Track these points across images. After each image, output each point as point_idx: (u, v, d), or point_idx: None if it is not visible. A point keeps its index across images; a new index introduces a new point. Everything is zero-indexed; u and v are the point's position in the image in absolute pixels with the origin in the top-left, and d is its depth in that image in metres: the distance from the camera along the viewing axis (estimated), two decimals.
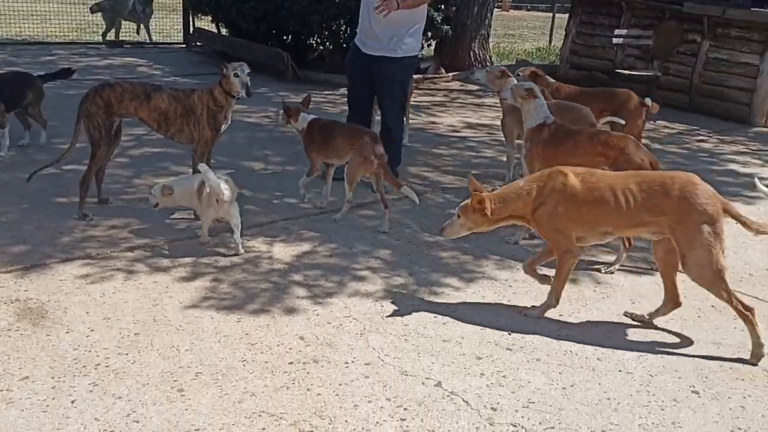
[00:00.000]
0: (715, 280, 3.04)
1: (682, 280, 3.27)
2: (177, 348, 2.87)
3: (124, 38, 11.79)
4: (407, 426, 2.48)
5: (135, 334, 2.95)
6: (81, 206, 4.13)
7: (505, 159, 5.59)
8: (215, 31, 11.05)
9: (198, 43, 11.25)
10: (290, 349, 2.93)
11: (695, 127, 8.33)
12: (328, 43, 9.40)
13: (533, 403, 2.67)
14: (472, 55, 9.73)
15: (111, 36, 11.67)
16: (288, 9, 8.56)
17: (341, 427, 2.45)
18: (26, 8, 12.04)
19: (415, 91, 6.92)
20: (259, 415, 2.48)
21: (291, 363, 2.82)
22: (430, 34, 9.00)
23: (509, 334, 3.18)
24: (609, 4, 9.81)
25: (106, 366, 2.71)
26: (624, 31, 9.17)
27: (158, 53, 10.88)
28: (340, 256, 3.94)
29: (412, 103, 6.62)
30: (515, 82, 4.94)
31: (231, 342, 2.95)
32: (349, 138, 4.37)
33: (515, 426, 2.53)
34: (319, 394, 2.62)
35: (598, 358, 3.03)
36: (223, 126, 4.13)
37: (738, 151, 7.39)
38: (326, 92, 8.50)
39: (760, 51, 8.57)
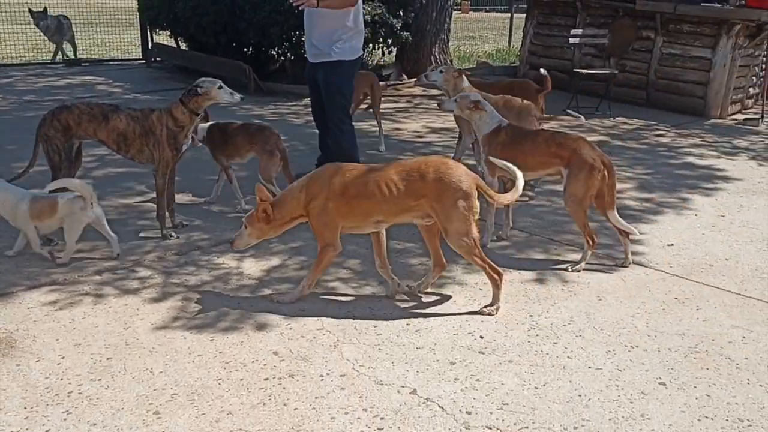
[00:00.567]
0: (471, 248, 3.39)
1: (646, 274, 3.35)
2: (151, 370, 2.86)
3: (81, 56, 11.66)
4: None
5: (107, 358, 2.94)
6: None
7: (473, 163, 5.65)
8: (174, 45, 10.99)
9: (157, 59, 11.17)
10: (265, 365, 2.94)
11: (653, 122, 8.53)
12: (289, 54, 9.40)
13: (507, 404, 2.72)
14: (433, 60, 9.81)
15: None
16: (248, 21, 8.56)
17: None
18: None
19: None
20: None
21: (266, 379, 2.83)
22: (390, 41, 9.06)
23: (481, 338, 3.23)
24: (564, 5, 9.99)
25: (79, 393, 2.69)
26: (580, 31, 9.35)
27: (117, 70, 10.79)
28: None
29: (381, 110, 6.67)
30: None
31: (205, 361, 2.95)
32: (248, 136, 4.68)
33: (490, 428, 2.57)
34: (296, 408, 2.64)
35: (568, 356, 3.10)
36: (184, 146, 4.12)
37: (695, 144, 7.58)
38: (290, 103, 8.51)
39: (711, 45, 8.81)
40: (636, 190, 5.74)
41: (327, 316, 3.39)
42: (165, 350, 3.02)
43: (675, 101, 9.15)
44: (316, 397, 2.72)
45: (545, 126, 5.36)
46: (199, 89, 3.99)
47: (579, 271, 4.05)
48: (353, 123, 5.36)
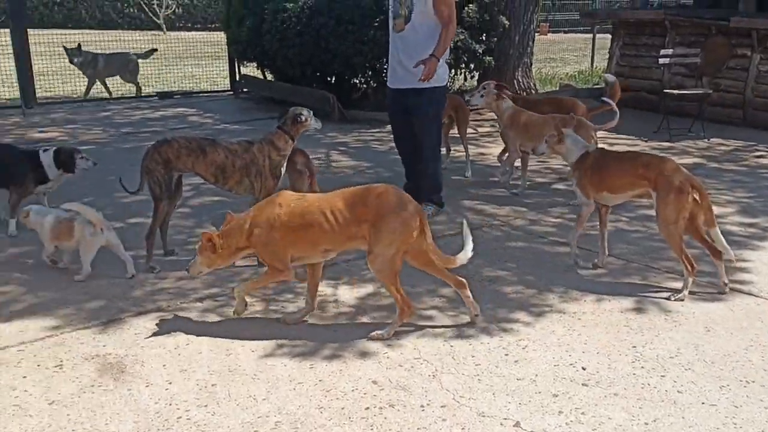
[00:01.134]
0: (390, 275, 3.38)
1: (756, 304, 3.17)
2: (254, 397, 2.91)
3: (172, 89, 12.15)
4: None
5: (212, 384, 3.01)
6: (148, 259, 4.25)
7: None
8: (261, 77, 11.35)
9: (244, 90, 11.56)
10: (365, 393, 2.94)
11: (752, 143, 8.14)
12: (371, 82, 9.54)
13: None
14: (516, 83, 9.74)
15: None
16: (332, 52, 8.74)
17: None
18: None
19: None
20: None
21: (367, 408, 2.83)
22: (473, 66, 9.06)
23: (583, 369, 3.13)
24: (652, 24, 9.74)
25: (188, 419, 2.76)
26: (670, 51, 9.07)
27: (207, 101, 11.20)
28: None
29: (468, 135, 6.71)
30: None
31: (306, 389, 2.97)
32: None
33: None
34: None
35: (678, 391, 2.96)
36: (282, 172, 4.23)
37: None
38: (373, 130, 8.61)
39: None
40: (738, 215, 5.48)
41: (424, 346, 3.36)
42: (266, 377, 3.07)
43: None
44: (418, 428, 2.69)
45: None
46: (301, 117, 4.11)
47: (682, 300, 3.88)
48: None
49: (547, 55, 17.50)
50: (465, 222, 3.54)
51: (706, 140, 8.20)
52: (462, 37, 8.27)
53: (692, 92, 8.87)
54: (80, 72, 11.24)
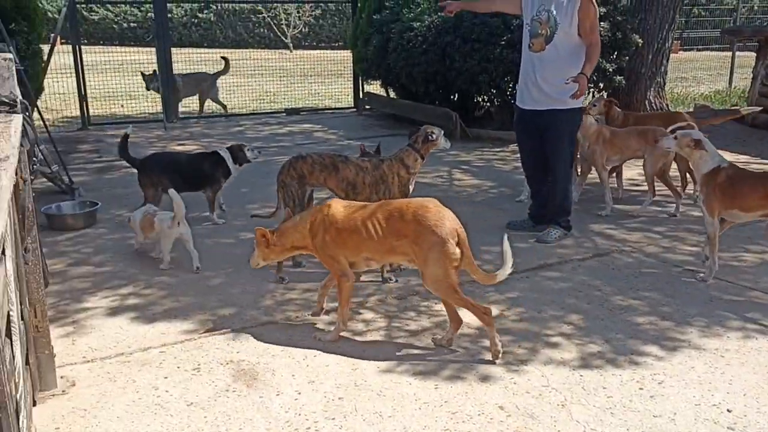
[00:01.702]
0: (449, 292, 3.36)
1: None
2: (380, 414, 2.92)
3: (298, 106, 12.58)
4: None
5: (339, 398, 3.05)
6: (278, 270, 4.39)
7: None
8: (384, 94, 11.54)
9: (367, 107, 11.79)
10: (491, 419, 2.88)
11: None
12: (495, 100, 9.46)
13: None
14: (648, 104, 9.34)
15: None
16: (457, 70, 8.75)
17: None
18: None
19: None
20: None
21: None
22: (602, 85, 8.78)
23: (729, 412, 2.92)
24: None
25: (316, 430, 2.81)
26: None
27: (331, 118, 11.51)
28: (530, 320, 3.86)
29: None
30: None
31: (431, 409, 2.95)
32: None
33: None
34: None
35: None
36: (410, 190, 4.26)
37: None
38: (496, 149, 8.52)
39: None
40: None
41: (552, 373, 3.26)
42: (392, 394, 3.07)
43: None
44: None
45: None
46: (432, 136, 4.14)
47: None
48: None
49: (678, 74, 16.67)
50: (505, 237, 3.41)
51: None
52: None
53: None
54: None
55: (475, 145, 8.74)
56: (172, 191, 4.57)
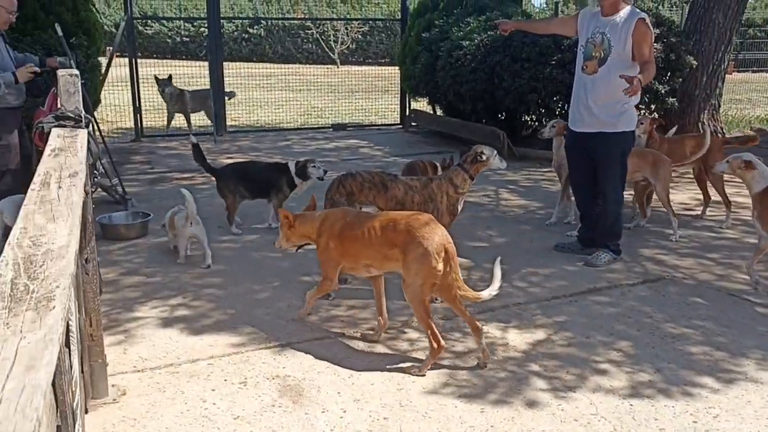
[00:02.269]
0: (418, 305, 3.41)
1: None
2: None
3: (344, 121, 12.68)
4: None
5: (384, 418, 3.04)
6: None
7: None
8: (430, 111, 11.57)
9: (413, 123, 11.83)
10: None
11: None
12: (544, 120, 9.39)
13: None
14: (700, 126, 9.15)
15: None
16: (505, 89, 8.73)
17: None
18: (261, 97, 13.51)
19: None
20: None
21: None
22: (653, 107, 8.65)
23: None
24: None
25: None
26: None
27: (377, 134, 11.57)
28: (578, 345, 3.79)
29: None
30: (761, 170, 4.81)
31: None
32: None
33: None
34: None
35: None
36: (459, 209, 4.25)
37: None
38: (543, 169, 8.44)
39: None
40: None
41: (600, 402, 3.19)
42: (437, 416, 3.05)
43: None
44: None
45: None
46: (482, 156, 4.13)
47: None
48: None
49: (732, 96, 16.33)
50: (498, 260, 3.52)
51: None
52: None
53: None
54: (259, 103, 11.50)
55: (522, 164, 8.67)
56: (184, 190, 4.88)
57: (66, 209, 1.85)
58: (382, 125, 12.56)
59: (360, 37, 27.37)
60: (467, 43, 9.29)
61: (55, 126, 2.75)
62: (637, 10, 4.81)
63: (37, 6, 7.18)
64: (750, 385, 3.36)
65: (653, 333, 3.95)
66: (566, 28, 5.15)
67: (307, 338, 3.82)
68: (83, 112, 2.83)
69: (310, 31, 26.86)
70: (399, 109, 12.43)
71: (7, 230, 4.86)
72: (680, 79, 8.62)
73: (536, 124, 9.72)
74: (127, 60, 10.25)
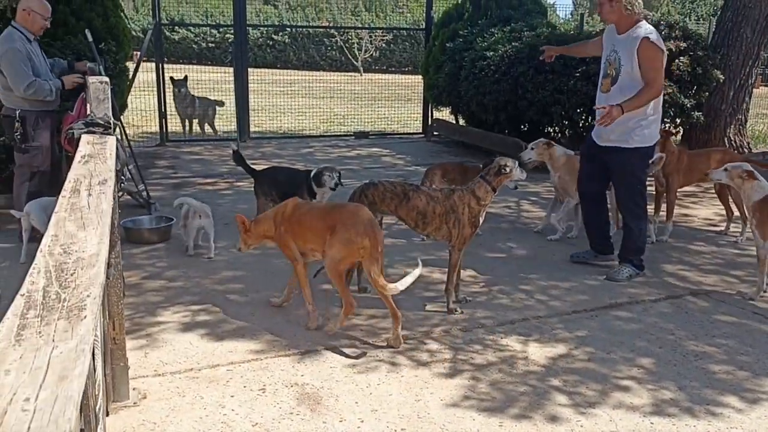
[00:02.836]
0: (335, 275, 3.83)
1: None
2: None
3: (366, 129, 12.72)
4: None
5: (401, 429, 3.03)
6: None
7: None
8: (453, 121, 11.57)
9: (435, 133, 11.83)
10: None
11: None
12: (567, 131, 9.35)
13: None
14: (727, 141, 9.04)
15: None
16: (529, 100, 8.71)
17: None
18: (284, 104, 13.61)
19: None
20: None
21: None
22: (678, 121, 8.57)
23: None
24: None
25: None
26: None
27: (398, 143, 11.59)
28: (599, 361, 3.76)
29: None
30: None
31: None
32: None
33: None
34: None
35: None
36: (480, 221, 4.24)
37: None
38: None
39: None
40: None
41: (621, 418, 3.16)
42: (455, 429, 3.04)
43: None
44: None
45: None
46: (505, 169, 4.12)
47: None
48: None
49: (758, 110, 16.11)
50: (420, 261, 3.96)
51: None
52: (670, 90, 7.85)
53: None
54: (282, 109, 11.66)
55: (544, 176, 8.59)
56: (181, 199, 5.45)
57: (96, 217, 1.88)
58: (404, 134, 12.58)
59: (384, 45, 27.47)
60: (491, 53, 9.28)
61: (85, 132, 2.79)
62: (648, 27, 4.72)
63: (68, 11, 7.28)
64: None
65: (675, 350, 3.91)
66: (599, 48, 5.13)
67: (326, 346, 3.83)
68: (112, 118, 2.87)
69: (334, 39, 27.02)
70: (421, 118, 12.45)
71: (34, 232, 4.94)
72: (706, 93, 8.53)
73: (559, 135, 9.67)
74: (153, 65, 10.38)
